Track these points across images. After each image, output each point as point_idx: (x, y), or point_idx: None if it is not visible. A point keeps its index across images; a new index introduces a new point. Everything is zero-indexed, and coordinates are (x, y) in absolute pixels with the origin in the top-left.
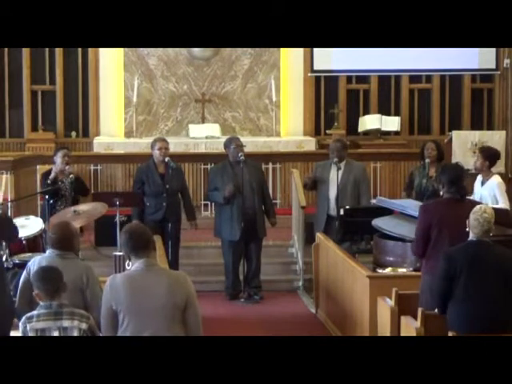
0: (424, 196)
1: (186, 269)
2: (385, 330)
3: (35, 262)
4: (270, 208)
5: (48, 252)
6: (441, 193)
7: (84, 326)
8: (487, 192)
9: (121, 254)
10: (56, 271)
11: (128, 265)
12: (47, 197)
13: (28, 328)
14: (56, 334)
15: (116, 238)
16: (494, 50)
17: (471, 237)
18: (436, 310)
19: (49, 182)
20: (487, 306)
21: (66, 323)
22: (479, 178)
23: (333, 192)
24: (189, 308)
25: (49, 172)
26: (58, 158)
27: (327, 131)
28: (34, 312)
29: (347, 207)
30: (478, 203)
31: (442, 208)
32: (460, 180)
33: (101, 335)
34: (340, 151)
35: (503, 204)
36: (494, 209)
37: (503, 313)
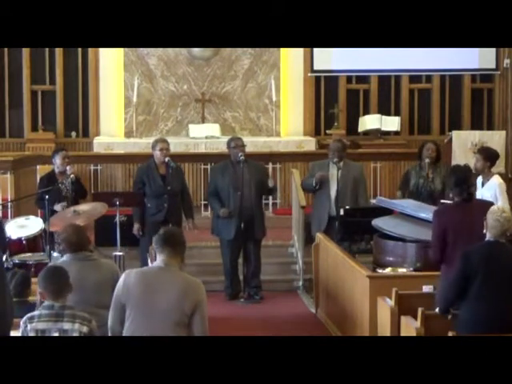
0: (420, 196)
1: (186, 269)
2: (385, 330)
3: None
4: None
5: (69, 256)
6: (450, 195)
7: (85, 329)
8: (488, 192)
9: (121, 253)
10: (64, 272)
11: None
12: (47, 197)
13: (29, 328)
14: (56, 335)
15: (116, 238)
16: (493, 50)
17: (488, 237)
18: (437, 310)
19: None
20: (501, 307)
21: (66, 325)
22: (479, 179)
23: (333, 192)
24: (195, 316)
25: (47, 175)
26: (58, 160)
27: (327, 131)
28: (36, 312)
29: (347, 207)
30: (486, 202)
31: (454, 211)
32: (465, 181)
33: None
34: (340, 151)
35: (503, 204)
36: None
37: None
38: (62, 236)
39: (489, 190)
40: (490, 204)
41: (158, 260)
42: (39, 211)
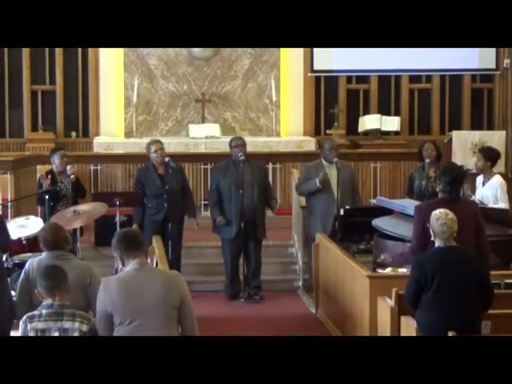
0: (425, 197)
1: (186, 269)
2: (385, 330)
3: (33, 263)
4: (270, 197)
5: (45, 254)
6: (437, 189)
7: (85, 327)
8: (489, 192)
9: None
10: (60, 270)
11: (120, 270)
12: (47, 197)
13: (29, 327)
14: (56, 334)
15: None
16: (493, 49)
17: (438, 243)
18: None
19: (44, 188)
20: (456, 311)
21: (66, 324)
22: (480, 178)
23: (335, 192)
24: (183, 307)
25: (47, 174)
26: (56, 160)
27: (327, 131)
28: (36, 312)
29: (347, 207)
30: (472, 201)
31: (436, 208)
32: (458, 182)
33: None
34: (337, 149)
35: (504, 204)
36: (495, 209)
37: (472, 315)
38: (39, 234)
39: (490, 189)
40: (475, 203)
41: (130, 264)
42: (39, 211)
